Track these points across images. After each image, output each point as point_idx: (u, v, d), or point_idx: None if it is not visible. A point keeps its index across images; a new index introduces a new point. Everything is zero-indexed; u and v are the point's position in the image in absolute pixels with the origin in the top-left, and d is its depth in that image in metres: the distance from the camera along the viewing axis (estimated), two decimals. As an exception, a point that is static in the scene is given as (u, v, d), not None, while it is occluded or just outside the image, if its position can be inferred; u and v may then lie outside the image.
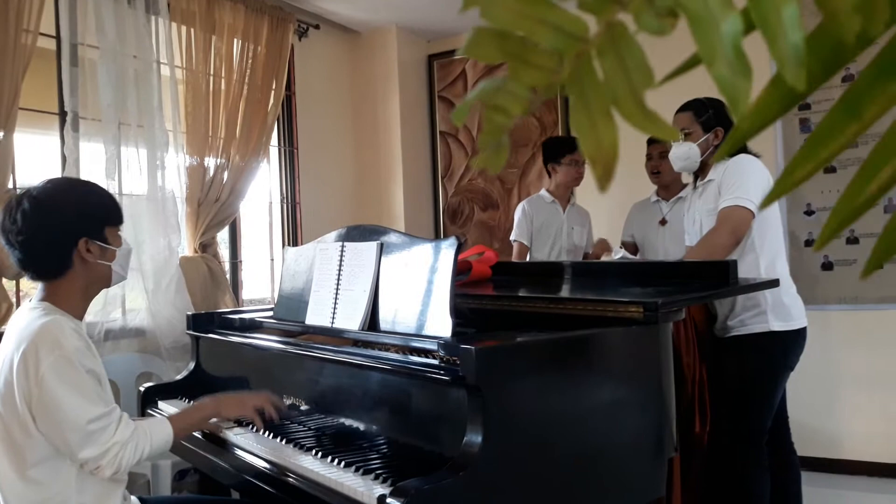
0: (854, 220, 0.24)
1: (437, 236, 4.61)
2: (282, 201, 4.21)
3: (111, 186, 3.06)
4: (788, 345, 2.34)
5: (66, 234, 1.59)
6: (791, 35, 0.18)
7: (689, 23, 0.19)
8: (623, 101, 0.19)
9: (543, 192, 3.57)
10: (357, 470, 1.56)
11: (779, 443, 2.48)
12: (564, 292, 2.08)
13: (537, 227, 3.49)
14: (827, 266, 3.62)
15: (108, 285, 1.71)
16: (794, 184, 0.24)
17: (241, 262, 3.94)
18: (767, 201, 0.26)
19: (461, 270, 2.46)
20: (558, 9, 0.19)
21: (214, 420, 1.90)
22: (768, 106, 0.22)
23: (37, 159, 3.19)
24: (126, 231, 1.82)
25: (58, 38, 2.99)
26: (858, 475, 3.56)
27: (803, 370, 2.51)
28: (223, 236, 3.81)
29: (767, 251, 2.34)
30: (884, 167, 0.23)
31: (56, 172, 3.02)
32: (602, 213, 3.83)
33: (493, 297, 2.07)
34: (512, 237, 3.58)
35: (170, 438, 1.64)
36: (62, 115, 3.02)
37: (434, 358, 1.60)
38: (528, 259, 3.49)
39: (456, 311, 1.71)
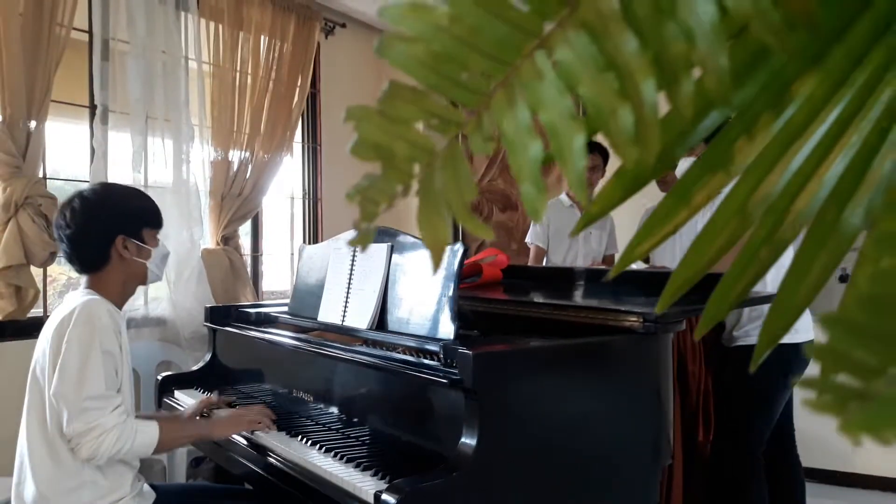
0: (691, 285, 0.28)
1: (455, 237, 4.65)
2: (304, 197, 4.28)
3: (137, 178, 3.15)
4: (791, 358, 2.34)
5: (106, 230, 1.74)
6: (577, 162, 0.22)
7: (506, 147, 0.23)
8: (454, 205, 0.23)
9: (563, 195, 3.59)
10: (358, 466, 1.60)
11: (783, 455, 2.48)
12: (570, 299, 2.10)
13: (554, 230, 3.52)
14: (844, 278, 3.60)
15: (143, 283, 1.85)
16: (638, 255, 0.28)
17: (261, 255, 4.01)
18: (615, 271, 0.30)
19: (472, 273, 2.50)
20: (413, 129, 0.23)
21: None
22: (613, 193, 0.27)
23: (67, 149, 3.29)
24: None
25: (90, 32, 3.08)
26: (872, 489, 3.54)
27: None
28: (245, 229, 3.89)
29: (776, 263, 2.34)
30: (717, 239, 0.27)
31: (85, 163, 3.12)
32: (625, 216, 3.82)
33: (499, 301, 2.10)
34: (528, 240, 3.60)
35: (154, 443, 1.68)
36: (92, 107, 3.11)
37: (437, 360, 1.65)
38: (545, 262, 3.51)
39: (461, 314, 1.75)
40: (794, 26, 0.20)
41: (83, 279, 1.79)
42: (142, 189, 3.16)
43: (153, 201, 1.89)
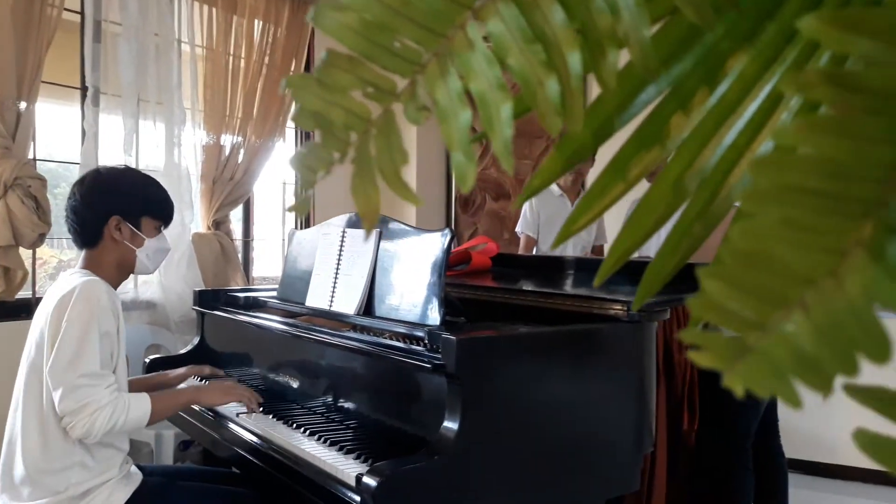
0: (629, 257, 0.29)
1: (448, 224, 4.65)
2: (295, 182, 4.27)
3: (129, 161, 3.14)
4: None
5: (104, 208, 1.76)
6: (504, 131, 0.22)
7: (438, 116, 0.23)
8: (386, 173, 0.24)
9: (553, 185, 3.59)
10: (341, 449, 1.62)
11: (767, 445, 2.51)
12: (558, 287, 2.12)
13: (544, 219, 3.52)
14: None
15: (132, 271, 1.85)
16: (577, 230, 0.29)
17: (253, 240, 4.01)
18: (556, 243, 0.31)
19: (462, 260, 2.51)
20: (350, 97, 0.23)
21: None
22: (553, 166, 0.27)
23: (58, 130, 3.28)
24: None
25: (82, 14, 3.06)
26: (852, 480, 3.58)
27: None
28: (236, 214, 3.88)
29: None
30: (654, 212, 0.27)
31: (76, 145, 3.10)
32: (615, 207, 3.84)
33: (487, 288, 2.11)
34: (518, 229, 3.61)
35: (147, 415, 1.68)
36: (83, 89, 3.10)
37: (423, 345, 1.66)
38: (535, 251, 3.52)
39: (449, 302, 1.76)
40: (719, 5, 0.21)
41: (80, 259, 1.80)
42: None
43: (165, 194, 1.89)
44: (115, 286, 1.80)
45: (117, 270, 1.81)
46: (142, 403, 1.68)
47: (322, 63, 0.24)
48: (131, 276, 3.19)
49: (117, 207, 1.77)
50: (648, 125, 0.27)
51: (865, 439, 0.17)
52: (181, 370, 2.15)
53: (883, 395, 0.17)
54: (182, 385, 2.12)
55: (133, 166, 3.13)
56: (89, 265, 1.77)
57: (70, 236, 1.81)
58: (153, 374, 2.27)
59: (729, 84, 0.25)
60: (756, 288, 0.17)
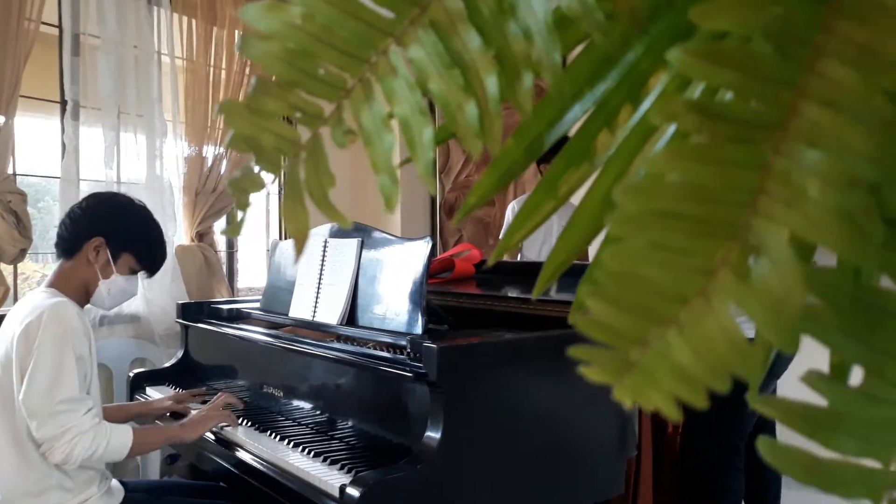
0: (564, 269, 0.30)
1: (433, 231, 4.65)
2: (279, 192, 4.27)
3: (110, 175, 3.13)
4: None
5: (95, 225, 1.75)
6: (426, 153, 0.23)
7: (363, 140, 0.24)
8: (315, 195, 0.24)
9: (536, 190, 3.61)
10: (325, 460, 1.61)
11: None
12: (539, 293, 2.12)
13: (528, 225, 3.53)
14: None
15: (89, 298, 1.79)
16: (513, 245, 0.30)
17: (237, 251, 4.00)
18: (493, 259, 0.32)
19: (445, 268, 2.51)
20: (279, 122, 0.24)
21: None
22: (488, 184, 0.28)
23: (38, 145, 3.26)
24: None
25: (60, 27, 3.05)
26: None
27: (798, 370, 2.54)
28: (220, 225, 3.87)
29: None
30: (585, 226, 0.28)
31: (56, 159, 3.09)
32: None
33: (470, 295, 2.12)
34: (501, 236, 3.62)
35: (127, 448, 1.65)
36: (63, 103, 3.09)
37: (405, 354, 1.66)
38: (519, 258, 3.53)
39: (432, 310, 1.76)
40: (627, 31, 0.22)
41: (50, 274, 1.78)
42: (114, 185, 3.15)
43: (161, 247, 1.86)
44: (82, 306, 1.78)
45: (83, 291, 1.77)
46: (123, 435, 1.65)
47: (252, 89, 0.25)
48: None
49: (107, 232, 1.75)
50: (576, 143, 0.28)
51: (766, 447, 0.18)
52: (164, 402, 2.10)
53: (782, 406, 0.18)
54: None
55: (114, 180, 3.13)
56: (57, 281, 1.74)
57: (54, 244, 1.79)
58: (134, 402, 2.25)
59: (651, 101, 0.26)
60: (632, 307, 0.18)
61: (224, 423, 1.89)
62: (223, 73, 3.63)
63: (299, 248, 0.26)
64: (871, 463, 0.18)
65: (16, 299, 2.96)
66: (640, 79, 0.26)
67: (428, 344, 1.46)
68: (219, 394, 2.05)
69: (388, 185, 0.23)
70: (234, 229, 0.26)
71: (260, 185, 0.25)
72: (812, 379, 0.20)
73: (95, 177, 3.13)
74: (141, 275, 1.85)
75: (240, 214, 0.26)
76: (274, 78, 0.24)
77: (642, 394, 0.18)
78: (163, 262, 1.87)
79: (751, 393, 0.24)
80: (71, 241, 1.75)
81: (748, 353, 0.18)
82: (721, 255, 0.17)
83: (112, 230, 1.76)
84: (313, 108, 0.25)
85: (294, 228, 0.25)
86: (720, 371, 0.18)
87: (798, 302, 0.17)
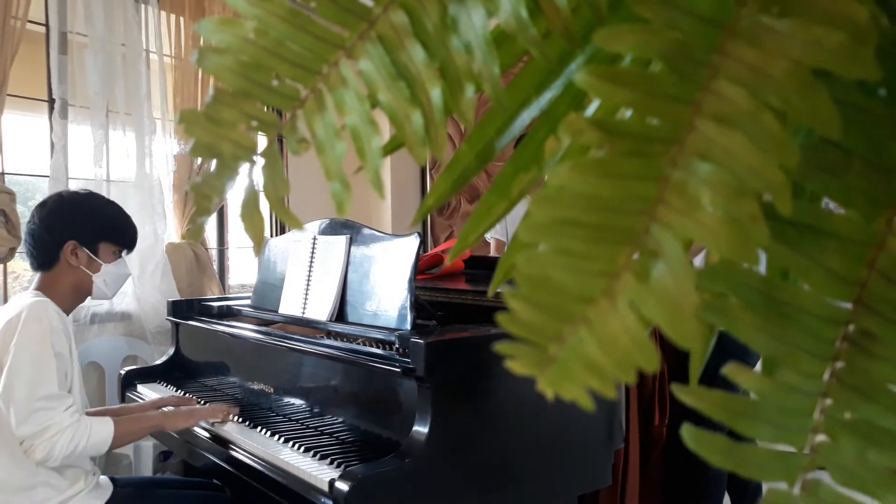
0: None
1: (423, 227, 4.66)
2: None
3: (99, 173, 3.13)
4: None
5: (60, 231, 1.75)
6: (374, 161, 0.25)
7: (316, 148, 0.25)
8: (271, 200, 0.26)
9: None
10: (315, 455, 1.63)
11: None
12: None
13: (511, 222, 3.54)
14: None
15: (89, 295, 1.83)
16: (467, 246, 0.31)
17: (227, 248, 4.00)
18: (450, 259, 0.33)
19: (434, 264, 2.53)
20: (237, 130, 0.25)
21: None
22: (443, 186, 0.29)
23: (26, 143, 3.25)
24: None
25: (47, 25, 3.04)
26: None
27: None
28: (210, 222, 3.87)
29: None
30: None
31: (45, 157, 3.08)
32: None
33: (459, 291, 2.13)
34: (488, 235, 3.63)
35: (108, 440, 1.67)
36: (51, 101, 3.08)
37: (393, 349, 1.67)
38: (509, 252, 3.54)
39: (421, 305, 1.77)
40: (557, 40, 0.23)
41: (35, 280, 1.79)
42: (103, 183, 3.15)
43: (126, 220, 1.87)
44: (69, 310, 1.80)
45: (72, 294, 1.79)
46: (104, 428, 1.67)
47: (210, 99, 0.26)
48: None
49: (74, 232, 1.76)
50: (525, 149, 0.29)
51: (688, 434, 0.20)
52: (148, 404, 2.11)
53: (702, 395, 0.19)
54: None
55: (103, 178, 3.13)
56: (42, 287, 1.76)
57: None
58: (120, 405, 2.26)
59: (595, 108, 0.27)
60: (546, 306, 0.19)
61: (214, 419, 1.90)
62: (212, 70, 3.63)
63: (257, 251, 0.27)
64: (786, 448, 0.20)
65: (6, 298, 2.96)
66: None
67: (416, 339, 1.47)
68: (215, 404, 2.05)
69: (339, 191, 0.25)
70: (195, 233, 0.27)
71: (221, 191, 0.27)
72: (732, 371, 0.21)
73: (84, 175, 3.13)
74: (124, 253, 1.86)
75: (202, 219, 0.27)
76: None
77: (561, 386, 0.20)
78: (136, 233, 1.88)
79: (691, 384, 0.25)
80: (45, 253, 1.76)
81: (649, 349, 0.19)
82: (623, 258, 0.19)
83: (77, 229, 1.77)
84: (268, 118, 0.26)
85: (251, 231, 0.27)
86: (625, 365, 0.19)
87: (691, 301, 0.18)
